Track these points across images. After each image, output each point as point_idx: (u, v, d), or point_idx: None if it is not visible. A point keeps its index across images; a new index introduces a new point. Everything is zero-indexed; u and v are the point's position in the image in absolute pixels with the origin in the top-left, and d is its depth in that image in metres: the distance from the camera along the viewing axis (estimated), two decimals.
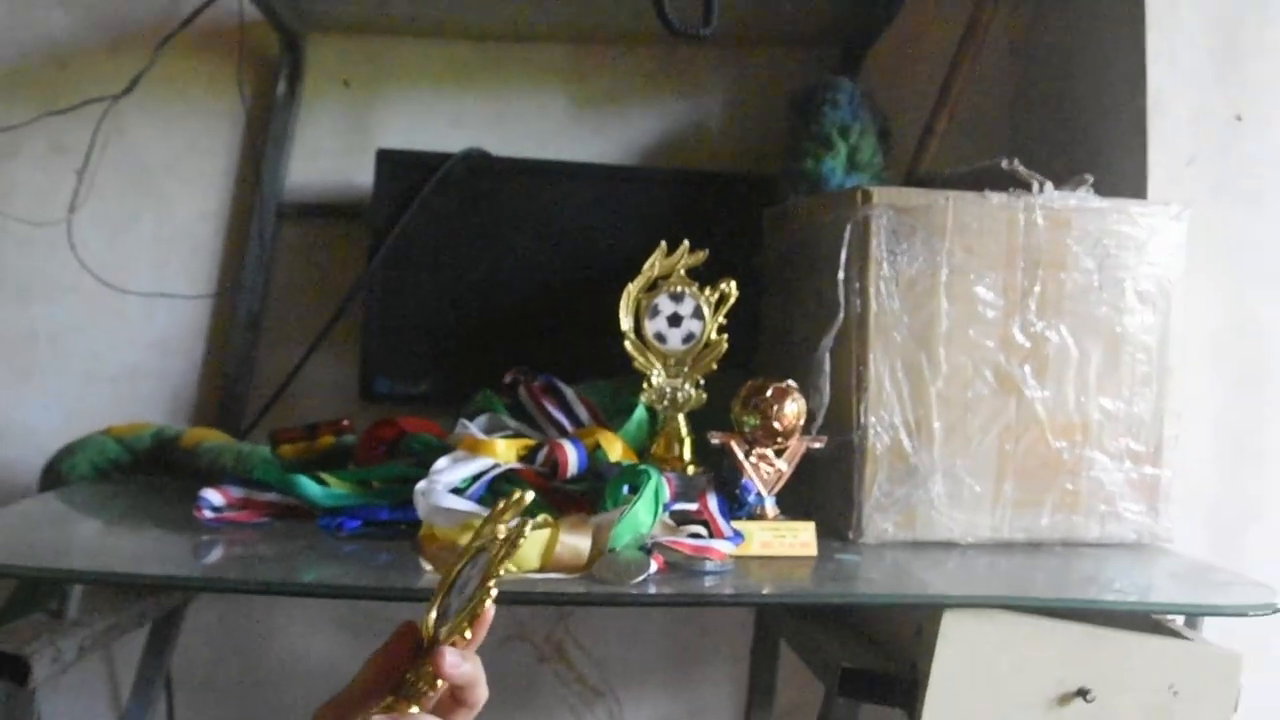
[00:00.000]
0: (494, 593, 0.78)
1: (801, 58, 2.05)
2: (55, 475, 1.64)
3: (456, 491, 1.30)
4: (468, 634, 0.79)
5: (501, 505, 0.82)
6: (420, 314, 1.85)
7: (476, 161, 1.89)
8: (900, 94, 1.95)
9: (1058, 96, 1.91)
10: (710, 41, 1.59)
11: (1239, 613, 1.27)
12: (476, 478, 1.34)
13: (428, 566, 1.20)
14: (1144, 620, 1.28)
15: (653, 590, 1.19)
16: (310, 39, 1.97)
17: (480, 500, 1.30)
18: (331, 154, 2.00)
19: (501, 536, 0.79)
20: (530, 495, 0.82)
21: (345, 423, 1.59)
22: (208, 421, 1.90)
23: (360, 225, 1.93)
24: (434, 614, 0.82)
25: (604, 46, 2.03)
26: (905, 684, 1.23)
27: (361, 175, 1.93)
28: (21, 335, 1.94)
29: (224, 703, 2.03)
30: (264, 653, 2.04)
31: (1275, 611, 1.25)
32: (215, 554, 1.32)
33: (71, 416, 1.88)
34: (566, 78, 2.04)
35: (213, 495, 1.37)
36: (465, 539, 1.17)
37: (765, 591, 1.28)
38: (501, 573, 0.78)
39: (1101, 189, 1.45)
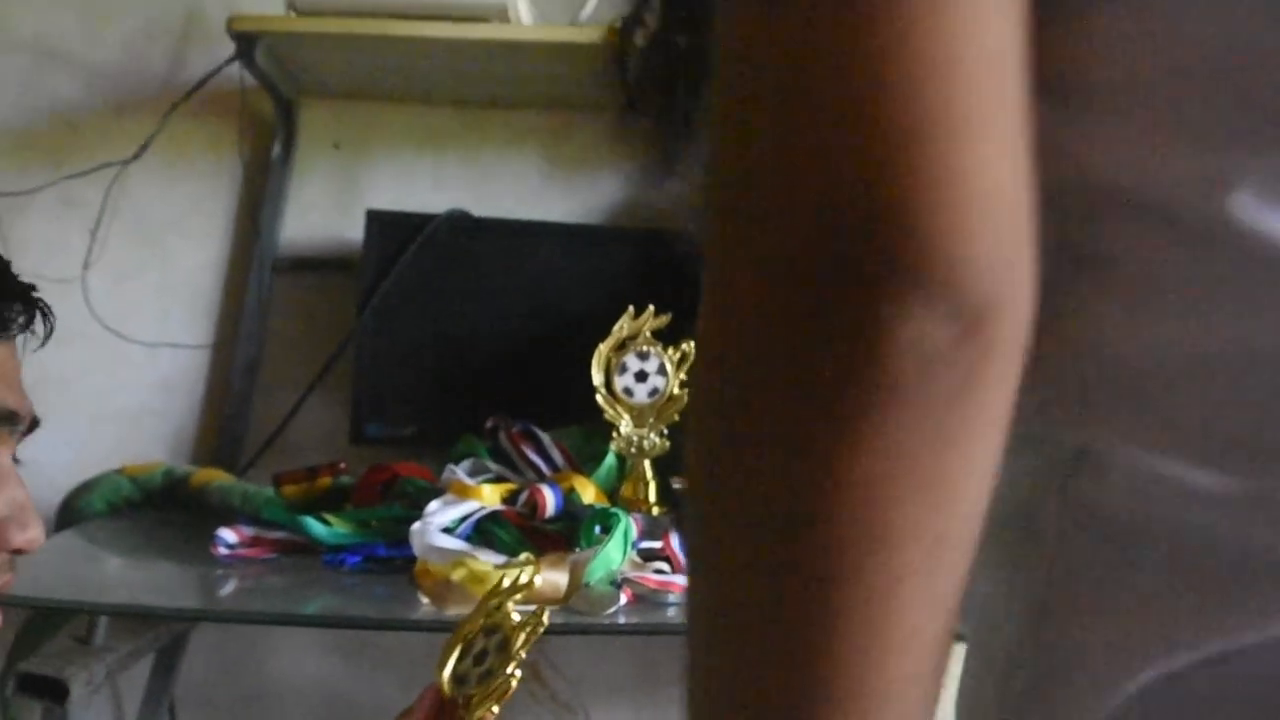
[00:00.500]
0: (519, 674, 0.92)
1: None
2: (72, 511, 1.77)
3: (447, 531, 1.46)
4: (495, 709, 0.92)
5: (510, 584, 0.96)
6: (407, 363, 1.98)
7: (459, 221, 2.02)
8: None
9: None
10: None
11: None
12: (465, 518, 1.50)
13: (424, 599, 1.35)
14: None
15: (623, 620, 1.35)
16: (303, 104, 2.10)
17: (468, 539, 1.46)
18: (323, 211, 2.13)
19: (517, 621, 0.93)
20: (540, 579, 0.97)
21: (342, 465, 1.74)
22: (207, 461, 2.03)
23: (350, 279, 2.05)
24: (448, 673, 0.95)
25: (574, 113, 2.16)
26: None
27: (351, 231, 2.05)
28: (35, 380, 2.04)
29: None
30: (262, 675, 2.15)
31: None
32: (230, 587, 1.48)
33: (81, 455, 1.98)
34: (540, 142, 2.17)
35: (227, 534, 1.52)
36: (456, 574, 1.32)
37: None
38: (523, 655, 0.92)
39: None
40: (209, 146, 2.12)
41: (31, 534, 1.12)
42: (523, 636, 0.92)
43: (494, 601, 0.96)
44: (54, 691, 1.38)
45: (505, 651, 0.92)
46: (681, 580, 1.41)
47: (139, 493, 1.79)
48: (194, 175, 2.12)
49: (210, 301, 2.13)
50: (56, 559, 1.57)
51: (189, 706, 2.08)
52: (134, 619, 1.61)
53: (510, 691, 0.91)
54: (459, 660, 0.95)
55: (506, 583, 1.01)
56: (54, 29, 2.14)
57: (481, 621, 0.96)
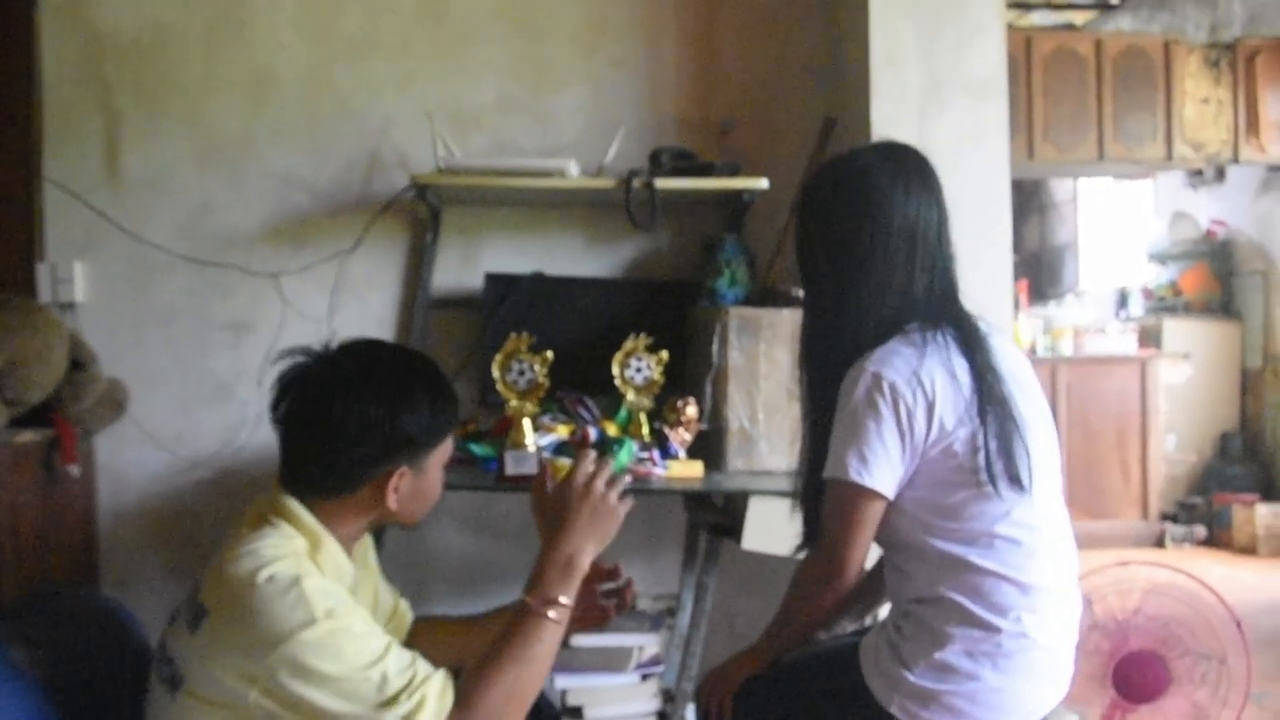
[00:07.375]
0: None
1: (712, 216, 3.47)
2: None
3: (541, 448, 2.88)
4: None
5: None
6: None
7: (537, 278, 3.36)
8: (762, 238, 3.37)
9: None
10: (661, 204, 3.14)
11: None
12: (550, 442, 2.92)
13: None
14: None
15: (628, 489, 2.75)
16: (444, 210, 3.45)
17: (553, 452, 2.88)
18: (457, 272, 3.46)
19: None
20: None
21: (477, 419, 3.18)
22: None
23: (474, 313, 3.38)
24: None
25: (603, 209, 3.44)
26: (737, 528, 2.74)
27: (474, 284, 3.39)
28: None
29: (404, 574, 3.42)
30: (425, 546, 3.48)
31: None
32: None
33: None
34: (583, 228, 3.49)
35: None
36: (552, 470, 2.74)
37: (678, 489, 2.86)
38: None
39: None
40: (388, 236, 3.49)
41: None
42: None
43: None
44: None
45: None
46: (658, 471, 2.82)
47: None
48: (380, 253, 3.48)
49: (392, 326, 3.49)
50: None
51: (386, 562, 3.43)
52: None
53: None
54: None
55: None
56: (293, 164, 3.49)
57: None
